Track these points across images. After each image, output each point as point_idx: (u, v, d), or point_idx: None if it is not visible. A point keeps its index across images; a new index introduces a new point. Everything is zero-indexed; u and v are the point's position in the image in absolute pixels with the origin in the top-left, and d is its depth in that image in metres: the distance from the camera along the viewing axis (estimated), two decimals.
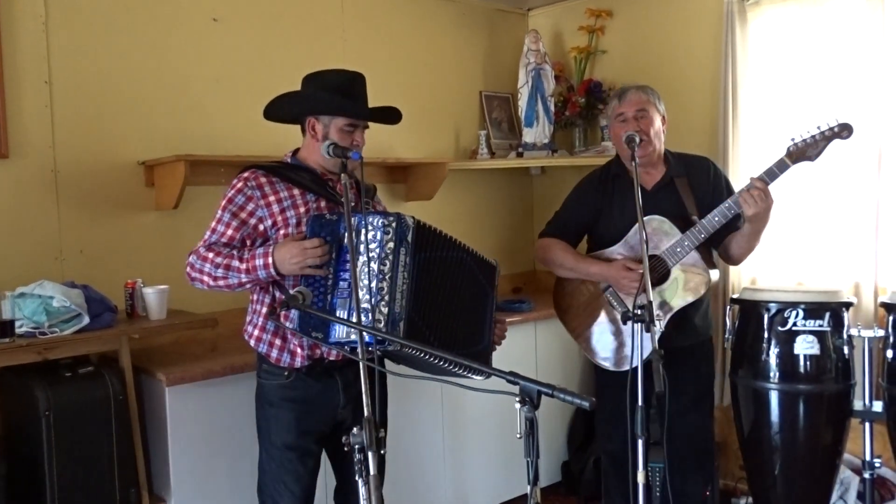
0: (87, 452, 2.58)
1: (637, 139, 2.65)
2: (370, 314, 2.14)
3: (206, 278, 2.31)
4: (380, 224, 2.18)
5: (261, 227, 2.35)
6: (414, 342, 2.10)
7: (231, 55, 3.48)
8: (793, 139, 2.60)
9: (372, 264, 2.16)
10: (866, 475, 3.07)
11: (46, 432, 2.50)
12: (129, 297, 2.94)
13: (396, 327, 2.15)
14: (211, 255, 2.30)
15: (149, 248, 3.21)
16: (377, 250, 2.17)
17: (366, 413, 1.74)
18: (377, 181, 3.96)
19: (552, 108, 4.28)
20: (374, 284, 2.15)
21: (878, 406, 3.06)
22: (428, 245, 2.27)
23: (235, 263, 2.27)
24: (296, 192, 2.37)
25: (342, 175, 2.13)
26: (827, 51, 3.51)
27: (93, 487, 2.60)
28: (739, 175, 3.61)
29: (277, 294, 2.35)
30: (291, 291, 2.12)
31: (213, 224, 2.37)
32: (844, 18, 3.44)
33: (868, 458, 3.06)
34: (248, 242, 2.36)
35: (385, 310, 2.13)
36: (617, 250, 2.85)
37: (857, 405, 3.09)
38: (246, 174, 2.38)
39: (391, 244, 2.17)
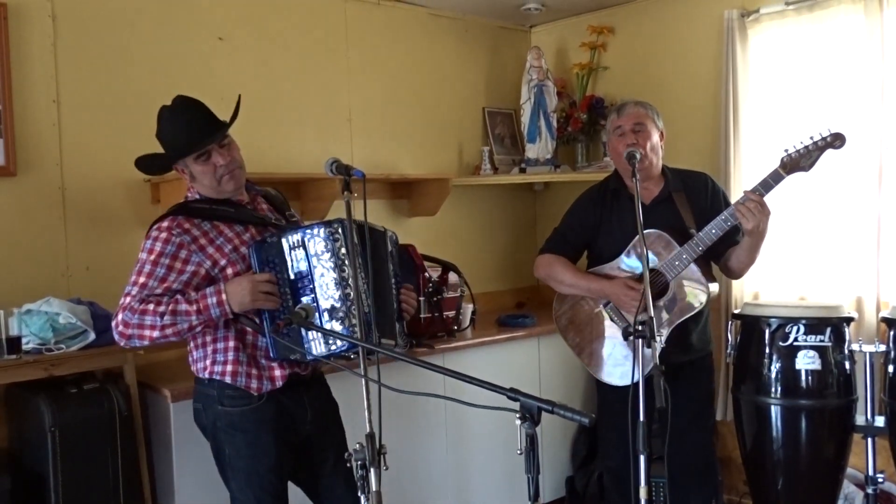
0: (92, 468, 2.60)
1: (637, 155, 2.68)
2: (343, 322, 2.16)
3: (146, 332, 2.16)
4: (325, 234, 2.20)
5: (202, 271, 2.25)
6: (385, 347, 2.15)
7: (236, 74, 3.52)
8: (786, 150, 2.62)
9: (332, 274, 2.17)
10: (869, 490, 3.06)
11: (52, 448, 2.52)
12: None
13: (371, 330, 2.15)
14: (150, 306, 2.16)
15: None
16: (332, 259, 2.18)
17: (367, 429, 1.75)
18: (380, 197, 4.00)
19: (554, 123, 4.31)
20: (339, 294, 2.17)
21: (880, 421, 3.06)
22: (367, 240, 2.27)
23: (183, 307, 2.16)
24: (222, 227, 2.31)
25: (344, 192, 2.12)
26: (827, 66, 3.53)
27: (98, 503, 2.61)
28: (741, 190, 3.62)
29: (240, 325, 2.29)
30: (296, 308, 2.14)
31: (142, 279, 2.20)
32: (844, 33, 3.46)
33: (871, 473, 3.05)
34: (189, 286, 2.25)
35: (356, 313, 2.13)
36: (617, 265, 2.86)
37: (860, 420, 3.10)
38: (166, 223, 2.25)
39: (343, 249, 2.18)
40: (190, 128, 2.29)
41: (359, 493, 1.73)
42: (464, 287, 3.65)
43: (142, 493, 2.72)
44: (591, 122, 4.35)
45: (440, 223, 4.21)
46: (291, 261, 2.23)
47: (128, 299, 2.20)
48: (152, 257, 2.22)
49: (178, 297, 2.20)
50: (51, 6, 3.02)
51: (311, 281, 2.21)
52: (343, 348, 2.18)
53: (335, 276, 2.18)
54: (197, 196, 2.38)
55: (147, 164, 2.40)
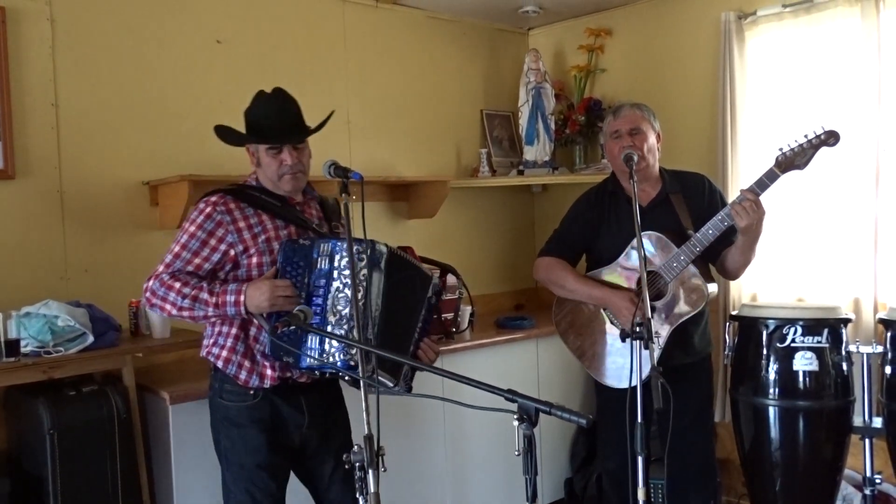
0: (91, 471, 2.60)
1: (635, 157, 2.68)
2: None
3: (168, 307, 2.27)
4: (354, 251, 2.20)
5: (232, 253, 2.33)
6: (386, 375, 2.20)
7: (234, 77, 3.52)
8: (781, 149, 2.63)
9: (346, 290, 2.19)
10: (867, 491, 3.07)
11: (51, 451, 2.52)
12: (133, 315, 2.98)
13: (370, 354, 2.17)
14: (177, 284, 2.26)
15: (153, 268, 3.23)
16: (350, 276, 2.18)
17: (365, 430, 1.76)
18: (379, 199, 4.01)
19: (552, 126, 4.31)
20: (346, 311, 2.18)
21: (877, 422, 3.06)
22: (396, 270, 2.31)
23: (204, 296, 2.25)
24: (264, 216, 2.37)
25: (342, 195, 2.15)
26: (824, 67, 3.54)
27: None
28: (738, 191, 3.61)
29: (248, 317, 2.32)
30: (294, 310, 2.15)
31: (177, 248, 2.32)
32: (841, 35, 3.47)
33: (869, 474, 3.06)
34: (219, 269, 2.35)
35: (357, 335, 2.15)
36: (616, 267, 2.87)
37: (857, 421, 3.10)
38: (214, 198, 2.36)
39: (364, 271, 2.21)
40: (273, 119, 2.37)
41: (357, 495, 1.74)
42: (462, 289, 3.65)
43: (140, 495, 2.72)
44: (589, 124, 4.35)
45: (438, 225, 4.22)
46: (315, 267, 2.25)
47: (161, 268, 2.32)
48: (192, 229, 2.33)
49: (204, 284, 2.28)
50: (49, 9, 3.03)
51: (327, 291, 2.23)
52: (338, 365, 2.19)
53: (348, 293, 2.19)
54: (254, 182, 2.47)
55: (224, 133, 2.45)
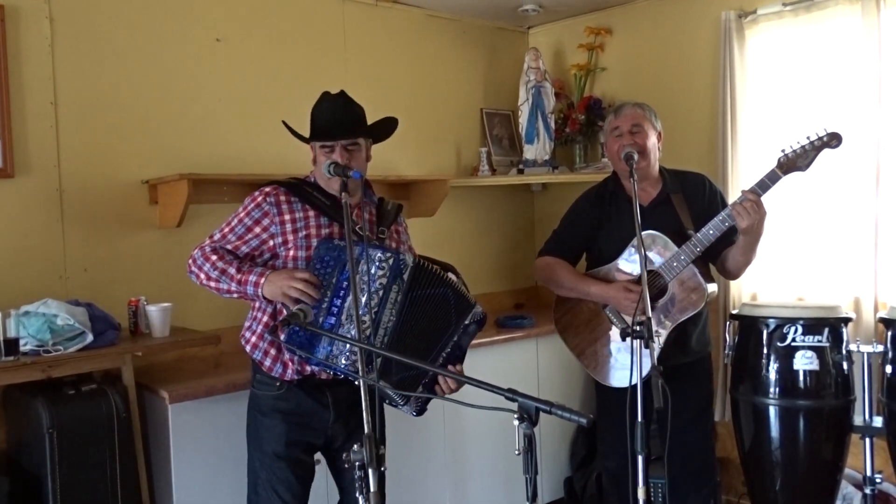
0: (90, 470, 2.60)
1: (635, 156, 2.68)
2: (346, 343, 2.20)
3: (202, 275, 2.40)
4: (376, 258, 2.26)
5: (271, 243, 2.42)
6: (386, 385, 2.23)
7: (234, 75, 3.52)
8: (783, 150, 2.62)
9: (362, 296, 2.21)
10: (867, 490, 3.07)
11: (50, 450, 2.52)
12: (133, 314, 2.97)
13: (372, 361, 2.18)
14: (214, 257, 2.39)
15: (152, 266, 3.24)
16: (370, 283, 2.24)
17: (366, 430, 1.76)
18: None
19: (552, 125, 4.31)
20: (356, 314, 2.18)
21: (878, 421, 3.06)
22: (421, 284, 2.33)
23: (231, 271, 2.35)
24: (311, 213, 2.43)
25: (342, 194, 2.18)
26: (824, 66, 3.54)
27: None
28: (738, 191, 3.61)
29: (279, 305, 2.39)
30: (293, 309, 2.15)
31: (225, 228, 2.46)
32: (841, 34, 3.47)
33: (869, 473, 3.06)
34: (256, 255, 2.44)
35: (357, 335, 2.17)
36: (615, 266, 2.86)
37: (858, 420, 3.10)
38: (268, 189, 2.46)
39: (383, 280, 2.26)
40: (328, 118, 2.44)
41: (357, 495, 1.74)
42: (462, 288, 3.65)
43: (140, 495, 2.72)
44: (589, 123, 4.35)
45: (438, 224, 4.21)
46: (345, 269, 2.27)
47: (208, 241, 2.46)
48: (242, 214, 2.45)
49: (236, 261, 2.39)
50: (48, 7, 3.02)
51: (347, 294, 2.26)
52: (340, 368, 2.23)
53: (363, 298, 2.22)
54: (311, 179, 2.54)
55: (292, 130, 2.54)
